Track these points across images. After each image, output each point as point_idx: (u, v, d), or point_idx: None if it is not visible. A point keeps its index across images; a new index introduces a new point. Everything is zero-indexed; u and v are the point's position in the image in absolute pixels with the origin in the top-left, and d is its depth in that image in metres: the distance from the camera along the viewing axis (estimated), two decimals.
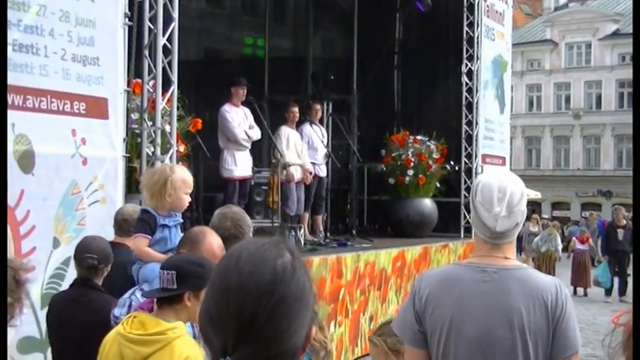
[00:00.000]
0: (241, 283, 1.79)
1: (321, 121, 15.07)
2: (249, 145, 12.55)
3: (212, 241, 4.77)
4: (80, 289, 5.47)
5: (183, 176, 5.62)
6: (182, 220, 5.80)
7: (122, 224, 6.83)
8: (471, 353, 3.52)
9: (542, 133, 58.23)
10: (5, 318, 4.52)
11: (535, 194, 43.37)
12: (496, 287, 3.53)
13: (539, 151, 58.70)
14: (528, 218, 29.85)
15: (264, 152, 15.01)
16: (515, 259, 3.69)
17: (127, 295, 4.92)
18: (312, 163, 14.14)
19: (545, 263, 23.36)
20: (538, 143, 58.73)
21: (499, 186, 3.55)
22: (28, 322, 7.45)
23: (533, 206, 42.74)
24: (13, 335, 7.15)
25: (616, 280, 20.88)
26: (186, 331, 4.11)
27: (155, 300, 4.18)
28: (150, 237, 5.50)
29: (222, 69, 15.34)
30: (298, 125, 14.07)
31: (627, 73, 53.80)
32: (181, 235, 5.63)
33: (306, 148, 13.96)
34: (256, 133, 12.63)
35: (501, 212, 3.51)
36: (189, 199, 5.72)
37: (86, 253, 5.46)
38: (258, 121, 12.92)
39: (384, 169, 16.53)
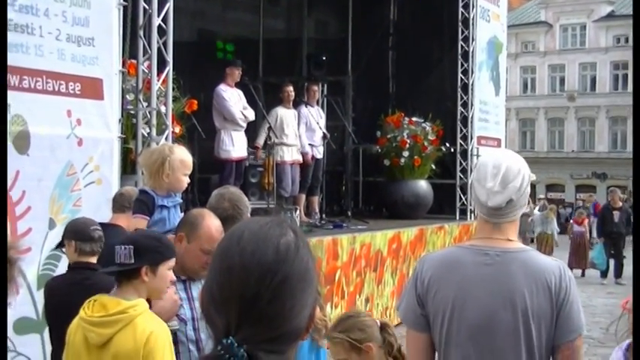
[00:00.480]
0: (244, 263, 1.76)
1: (317, 103, 15.02)
2: (244, 125, 12.51)
3: (210, 224, 4.74)
4: (84, 273, 5.41)
5: (182, 157, 5.57)
6: (181, 201, 5.76)
7: (118, 198, 6.77)
8: (473, 337, 3.49)
9: (537, 115, 58.18)
10: (5, 317, 4.51)
11: (531, 176, 43.39)
12: (498, 270, 3.48)
13: (534, 134, 58.64)
14: None
15: (258, 133, 14.95)
16: (518, 241, 3.63)
17: None
18: (310, 145, 14.09)
19: (543, 246, 23.42)
20: (532, 125, 58.68)
21: (494, 163, 3.52)
22: (24, 302, 7.45)
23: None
24: (9, 315, 7.13)
25: (612, 262, 20.87)
26: (147, 307, 4.09)
27: (115, 279, 4.15)
28: (148, 218, 5.47)
29: (216, 50, 15.29)
30: (294, 107, 14.01)
31: (622, 55, 53.82)
32: (180, 215, 5.62)
33: (303, 130, 13.91)
34: (251, 114, 12.60)
35: (494, 187, 3.46)
36: (188, 181, 5.68)
37: (75, 232, 5.40)
38: (252, 102, 12.89)
39: (380, 150, 16.51)
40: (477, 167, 3.60)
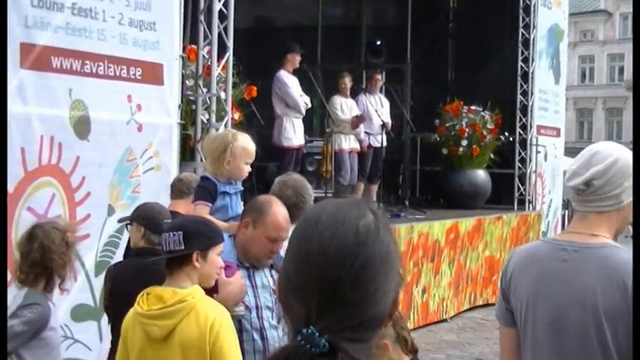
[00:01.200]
0: (322, 247, 1.65)
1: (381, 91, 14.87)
2: (304, 112, 12.39)
3: (277, 212, 4.67)
4: (146, 257, 5.35)
5: (244, 144, 5.49)
6: (242, 188, 5.68)
7: (176, 184, 6.73)
8: (545, 335, 3.34)
9: (595, 105, 57.59)
10: (5, 316, 4.48)
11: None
12: (573, 267, 3.29)
13: (591, 124, 58.08)
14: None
15: (319, 122, 14.89)
16: (607, 236, 3.35)
17: None
18: (367, 133, 13.96)
19: None
20: (590, 115, 58.11)
21: (590, 148, 3.39)
22: (82, 289, 7.47)
23: None
24: (66, 302, 7.14)
25: None
26: (203, 293, 4.04)
27: (165, 268, 4.08)
28: (211, 205, 5.40)
29: (274, 36, 15.21)
30: (353, 96, 13.88)
31: None
32: (241, 203, 5.54)
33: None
34: (308, 101, 12.48)
35: (577, 168, 3.31)
36: (250, 169, 5.59)
37: (148, 218, 5.33)
38: (311, 89, 12.79)
39: (438, 139, 16.33)
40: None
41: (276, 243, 4.60)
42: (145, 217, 5.41)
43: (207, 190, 5.48)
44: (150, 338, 3.98)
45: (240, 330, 4.50)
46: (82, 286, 7.47)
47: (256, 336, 4.55)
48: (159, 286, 4.07)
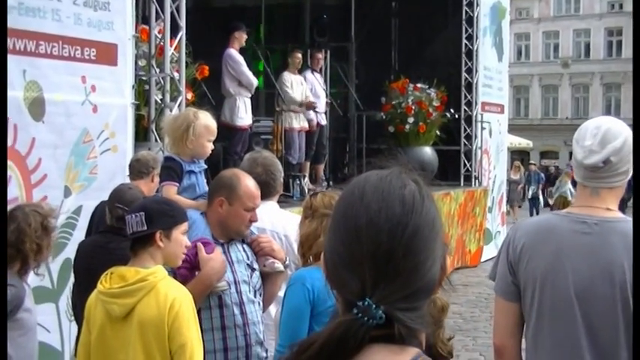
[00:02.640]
0: (372, 220, 1.66)
1: (320, 70, 14.88)
2: (253, 90, 12.31)
3: (248, 183, 4.72)
4: (108, 236, 5.34)
5: (206, 122, 5.45)
6: (206, 166, 5.65)
7: (135, 164, 6.68)
8: (567, 308, 3.34)
9: (531, 82, 58.18)
10: (5, 318, 4.44)
11: (527, 143, 43.44)
12: (597, 240, 3.31)
13: (528, 100, 58.68)
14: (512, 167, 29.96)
15: (261, 100, 14.83)
16: (619, 212, 3.43)
17: None
18: (315, 112, 13.95)
19: (560, 208, 23.46)
20: (527, 92, 58.69)
21: (596, 124, 3.40)
22: (39, 271, 7.35)
23: (522, 155, 42.85)
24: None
25: None
26: (166, 273, 4.03)
27: (130, 249, 4.08)
28: (178, 184, 5.36)
29: (218, 17, 15.13)
30: (299, 73, 13.85)
31: (616, 21, 53.81)
32: (205, 181, 5.52)
33: (311, 96, 13.78)
34: (256, 80, 12.41)
35: (592, 145, 3.32)
36: (212, 147, 5.56)
37: (117, 202, 5.31)
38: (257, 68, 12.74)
39: (384, 117, 16.41)
40: (579, 129, 3.46)
41: (253, 212, 4.66)
42: (112, 197, 5.43)
43: (172, 170, 5.42)
44: (110, 317, 3.97)
45: (221, 305, 4.52)
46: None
47: (236, 311, 4.55)
48: (122, 266, 4.06)
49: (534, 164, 36.09)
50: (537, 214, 24.60)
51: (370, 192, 1.70)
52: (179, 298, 3.94)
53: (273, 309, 4.94)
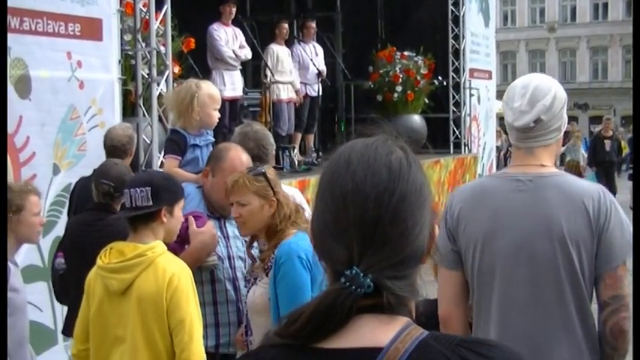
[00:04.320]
0: (358, 187, 1.64)
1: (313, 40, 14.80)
2: (237, 64, 12.27)
3: (234, 157, 4.67)
4: (96, 213, 5.31)
5: (210, 91, 5.50)
6: (214, 139, 5.65)
7: (112, 151, 6.66)
8: (509, 267, 3.30)
9: (517, 47, 58.13)
10: (5, 318, 4.40)
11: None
12: (532, 196, 3.29)
13: (515, 66, 58.60)
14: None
15: (248, 72, 14.75)
16: (554, 167, 3.43)
17: None
18: (303, 83, 13.89)
19: (572, 173, 23.18)
20: (513, 58, 58.64)
21: (523, 83, 3.36)
22: (30, 249, 7.33)
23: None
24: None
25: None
26: (165, 248, 4.02)
27: (129, 223, 4.05)
28: (180, 158, 5.39)
29: None
30: (287, 45, 13.78)
31: None
32: None
33: (296, 68, 13.71)
34: (246, 53, 12.37)
35: (521, 106, 3.28)
36: (219, 115, 5.57)
37: (103, 178, 5.28)
38: (248, 41, 12.67)
39: (372, 86, 16.34)
40: (507, 90, 3.42)
41: None
42: (99, 175, 5.39)
43: (176, 144, 5.48)
44: (109, 292, 3.97)
45: (213, 280, 4.50)
46: (29, 246, 7.31)
47: (229, 286, 4.54)
48: (122, 241, 4.04)
49: None
50: None
51: (356, 159, 1.68)
52: (178, 272, 3.93)
53: None
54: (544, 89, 3.32)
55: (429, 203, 1.71)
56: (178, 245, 4.37)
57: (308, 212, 4.52)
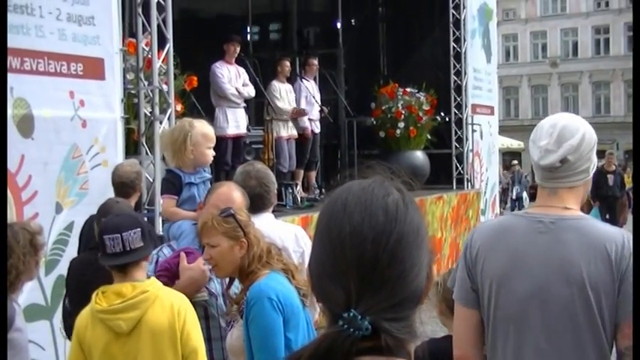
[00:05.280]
0: (355, 229, 1.65)
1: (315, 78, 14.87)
2: (240, 101, 12.30)
3: (221, 192, 4.71)
4: (97, 252, 5.31)
5: (203, 130, 5.53)
6: (210, 176, 5.69)
7: (121, 188, 6.70)
8: (524, 311, 3.22)
9: (520, 82, 58.28)
10: (5, 317, 4.41)
11: (518, 144, 43.38)
12: (552, 239, 3.19)
13: (517, 101, 58.79)
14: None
15: (251, 110, 14.80)
16: (579, 210, 3.32)
17: (154, 251, 4.77)
18: (309, 120, 13.94)
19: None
20: (516, 93, 58.79)
21: (552, 122, 3.28)
22: (33, 288, 7.34)
23: (514, 156, 42.81)
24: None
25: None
26: (161, 284, 4.09)
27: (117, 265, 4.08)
28: (176, 197, 5.43)
29: (206, 28, 15.12)
30: (289, 82, 13.84)
31: (603, 19, 53.99)
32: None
33: (303, 104, 13.78)
34: (249, 90, 12.42)
35: (548, 145, 3.21)
36: (213, 154, 5.60)
37: (104, 217, 5.29)
38: (251, 78, 12.74)
39: (374, 122, 16.41)
40: (535, 128, 3.34)
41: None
42: (100, 212, 5.42)
43: (171, 183, 5.52)
44: (115, 333, 3.97)
45: (206, 317, 4.50)
46: (32, 285, 7.30)
47: (223, 323, 4.53)
48: (112, 285, 4.06)
49: (516, 164, 35.84)
50: None
51: (353, 202, 1.69)
52: (183, 305, 4.02)
53: None
54: (572, 129, 3.25)
55: (427, 244, 1.72)
56: (169, 280, 4.40)
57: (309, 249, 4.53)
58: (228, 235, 4.07)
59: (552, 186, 3.30)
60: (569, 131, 3.24)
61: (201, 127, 5.56)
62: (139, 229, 4.00)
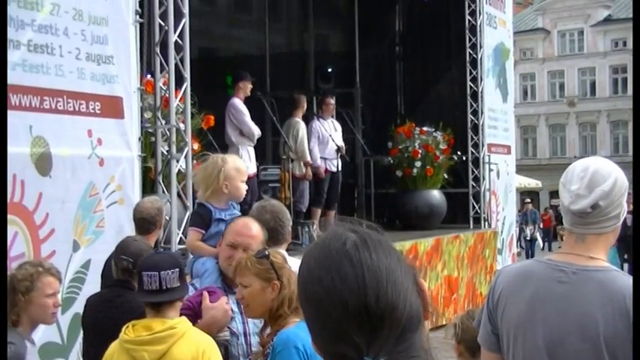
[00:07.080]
0: (329, 292, 1.68)
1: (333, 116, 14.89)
2: (255, 141, 12.32)
3: (239, 221, 4.83)
4: (115, 290, 5.36)
5: (236, 165, 5.65)
6: (239, 213, 5.74)
7: (142, 224, 6.72)
8: None
9: (538, 122, 58.21)
10: (5, 318, 4.44)
11: (536, 183, 43.30)
12: (572, 290, 3.13)
13: (535, 140, 58.65)
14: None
15: (268, 148, 14.85)
16: (604, 259, 3.22)
17: None
18: (323, 158, 13.95)
19: None
20: (534, 132, 58.70)
21: (583, 166, 3.21)
22: (49, 327, 7.33)
23: (531, 195, 42.73)
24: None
25: (625, 266, 20.70)
26: (190, 324, 4.15)
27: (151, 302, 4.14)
28: (203, 231, 5.52)
29: (222, 67, 15.18)
30: (306, 120, 13.88)
31: (620, 59, 53.91)
32: None
33: (315, 143, 13.80)
34: (258, 131, 12.43)
35: (579, 189, 3.14)
36: (246, 187, 5.69)
37: (122, 254, 5.32)
38: (265, 117, 12.77)
39: (391, 161, 16.41)
40: (566, 171, 3.28)
41: (236, 250, 4.65)
42: (118, 249, 5.46)
43: (200, 217, 5.63)
44: None
45: (226, 356, 4.49)
46: None
47: None
48: (145, 319, 4.12)
49: (530, 202, 35.10)
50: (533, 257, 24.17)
51: (316, 265, 1.72)
52: (210, 345, 4.07)
53: None
54: (604, 174, 3.18)
55: (403, 264, 1.74)
56: (191, 319, 4.41)
57: None
58: (260, 276, 4.07)
59: (581, 232, 3.20)
60: (601, 176, 3.17)
61: (234, 161, 5.69)
62: (177, 270, 4.09)
